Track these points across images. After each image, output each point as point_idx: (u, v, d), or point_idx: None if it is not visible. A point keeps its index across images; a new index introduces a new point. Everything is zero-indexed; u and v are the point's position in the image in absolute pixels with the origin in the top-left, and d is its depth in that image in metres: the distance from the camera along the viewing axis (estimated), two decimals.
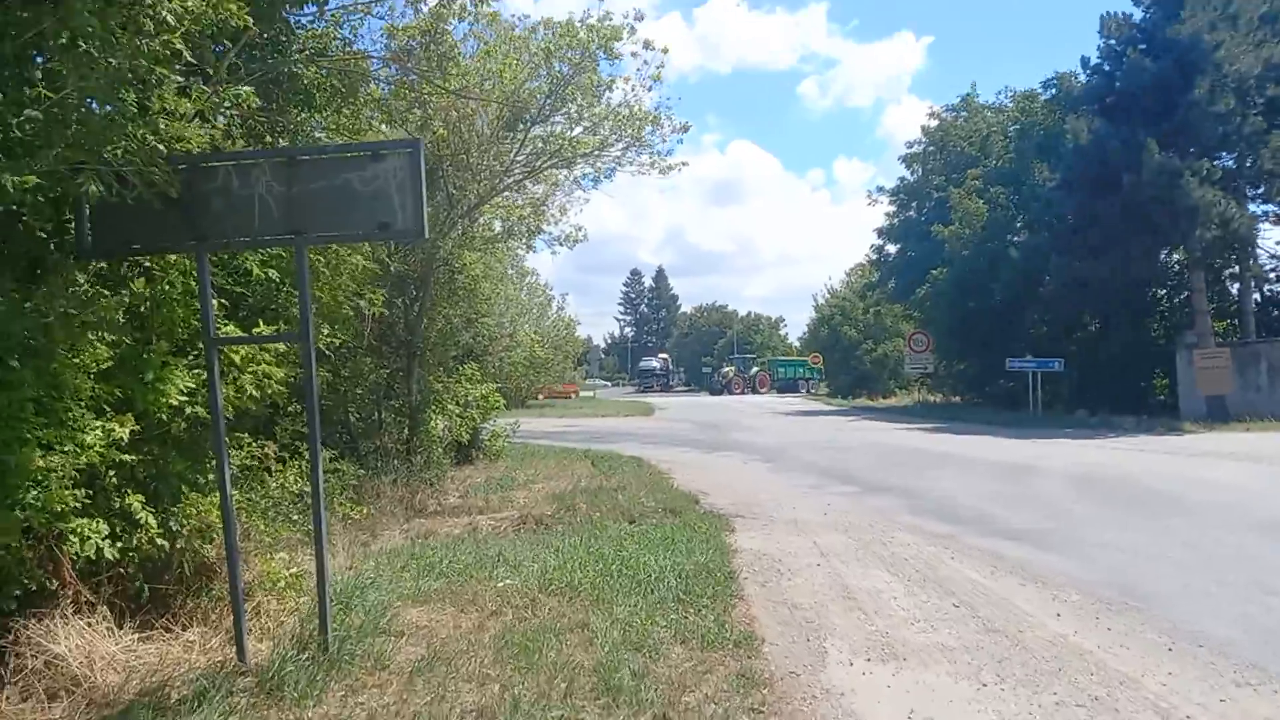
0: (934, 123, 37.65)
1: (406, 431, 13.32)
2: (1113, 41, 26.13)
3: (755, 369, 65.68)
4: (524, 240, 14.61)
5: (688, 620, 5.28)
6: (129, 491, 5.04)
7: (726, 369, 64.98)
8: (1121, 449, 16.18)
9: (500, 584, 6.25)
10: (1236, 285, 27.82)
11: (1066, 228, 26.36)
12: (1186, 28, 22.99)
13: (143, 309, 5.27)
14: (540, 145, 12.56)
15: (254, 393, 5.45)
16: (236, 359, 5.55)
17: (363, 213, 4.29)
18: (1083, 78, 27.78)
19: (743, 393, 59.56)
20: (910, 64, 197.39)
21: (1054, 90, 31.90)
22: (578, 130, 12.46)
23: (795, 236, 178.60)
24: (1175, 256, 27.63)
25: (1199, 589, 5.99)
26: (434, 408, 13.68)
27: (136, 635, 5.16)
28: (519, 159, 12.55)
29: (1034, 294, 29.38)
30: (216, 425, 4.48)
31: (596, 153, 12.81)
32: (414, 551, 7.84)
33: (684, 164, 13.53)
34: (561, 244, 14.75)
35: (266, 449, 6.22)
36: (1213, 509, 9.16)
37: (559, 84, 11.65)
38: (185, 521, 5.38)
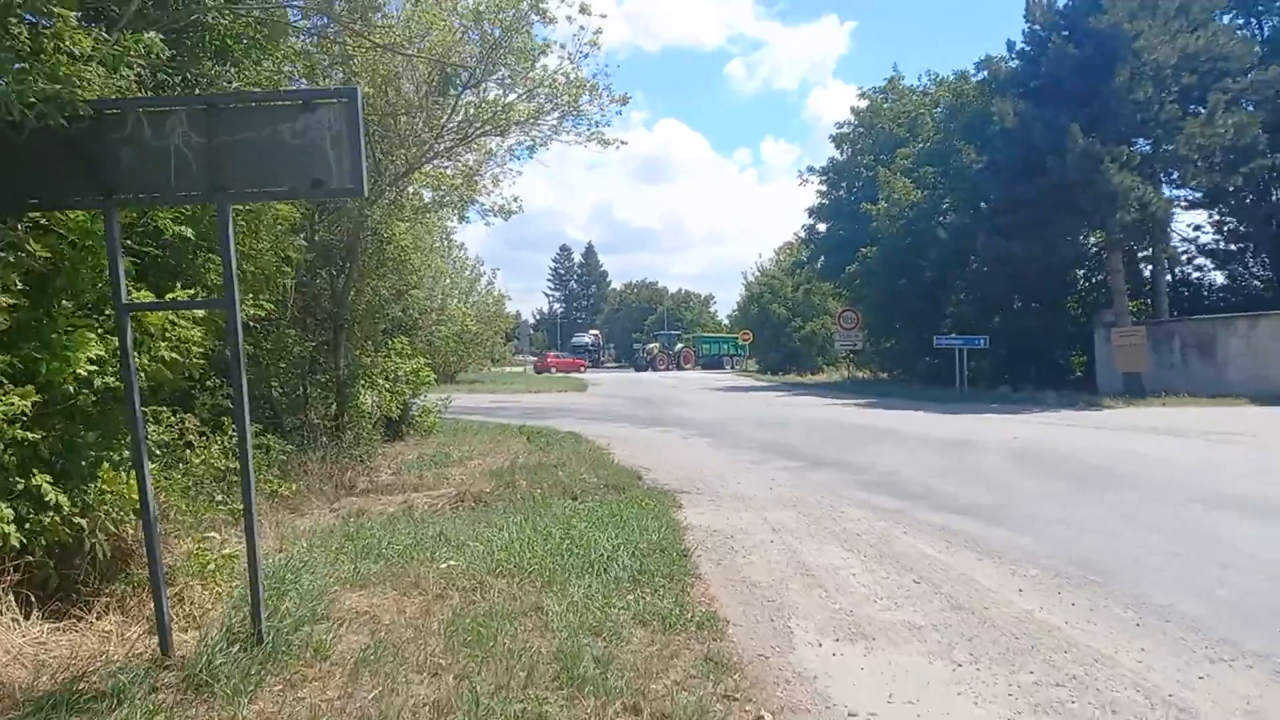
0: (863, 104, 38.00)
1: (334, 407, 12.76)
2: (1037, 27, 26.59)
3: (679, 345, 65.75)
4: (456, 210, 14.05)
5: (646, 601, 5.04)
6: (35, 471, 4.56)
7: (650, 345, 65.09)
8: (1050, 424, 16.55)
9: (443, 565, 5.91)
10: (1150, 267, 28.78)
11: (993, 208, 26.88)
12: (1108, 17, 23.49)
13: (47, 271, 4.76)
14: (473, 112, 12.04)
15: (173, 358, 4.96)
16: (151, 326, 5.06)
17: (293, 168, 3.87)
18: (1009, 62, 28.21)
19: (667, 369, 59.66)
20: (835, 48, 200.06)
21: (985, 73, 32.41)
22: (512, 97, 11.98)
23: (723, 215, 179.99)
24: (1092, 239, 28.52)
25: (1153, 564, 6.00)
26: (363, 382, 13.15)
27: (46, 626, 4.72)
28: (450, 125, 12.00)
29: (960, 273, 30.01)
30: (130, 397, 4.03)
31: (532, 121, 12.35)
32: (348, 531, 7.44)
33: (622, 141, 13.08)
34: (496, 215, 14.24)
35: (186, 423, 5.74)
36: (1150, 483, 9.32)
37: (491, 47, 11.14)
38: (100, 501, 4.93)
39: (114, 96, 4.16)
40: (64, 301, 4.89)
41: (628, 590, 5.24)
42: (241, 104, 4.04)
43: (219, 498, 6.08)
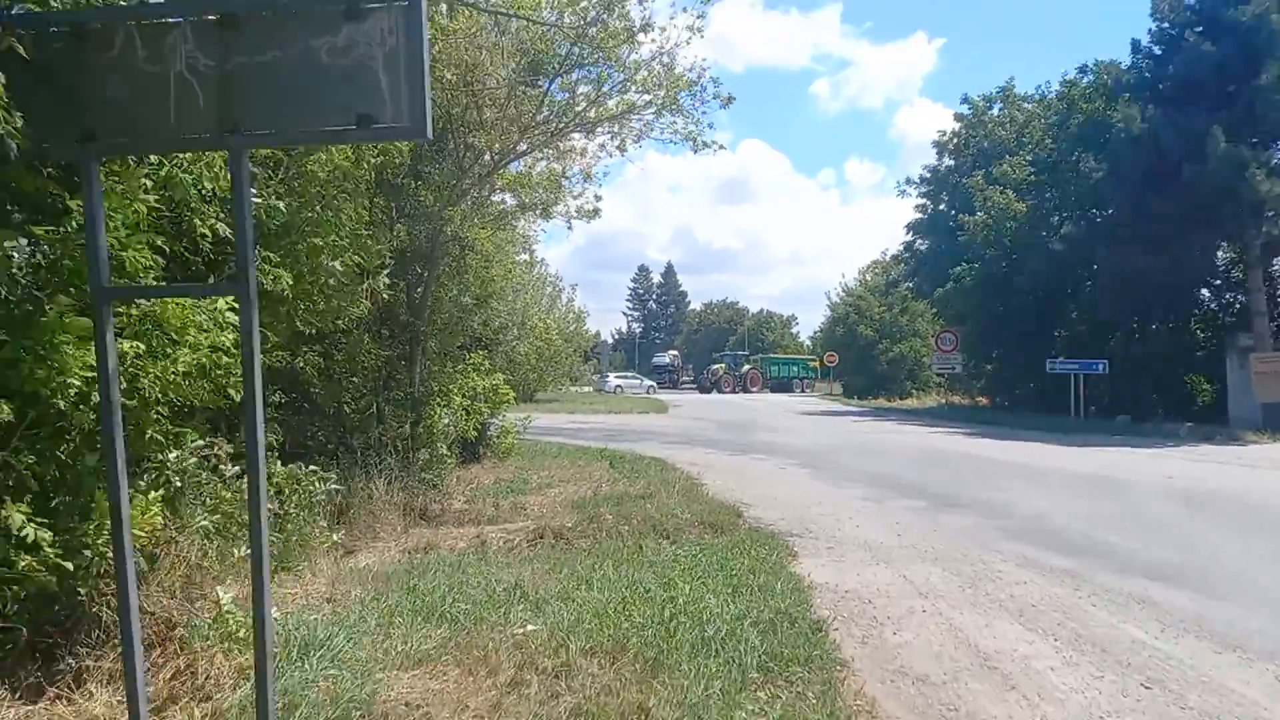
0: (970, 111, 35.97)
1: (407, 426, 11.84)
2: (1165, 24, 24.52)
3: (746, 366, 63.03)
4: (539, 212, 13.02)
5: (784, 702, 3.78)
6: (6, 500, 3.59)
7: (715, 366, 62.42)
8: (1197, 460, 14.63)
9: (520, 631, 4.76)
10: None
11: (1114, 220, 24.77)
12: (1251, 8, 21.36)
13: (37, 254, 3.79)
14: (562, 104, 11.02)
15: (201, 368, 3.93)
16: (171, 328, 4.03)
17: (333, 100, 2.75)
18: (1129, 62, 26.10)
19: (733, 390, 57.51)
20: (922, 66, 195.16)
21: (1092, 77, 30.28)
22: (607, 87, 10.90)
23: (805, 236, 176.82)
24: (1222, 254, 26.11)
25: None
26: (438, 399, 12.19)
27: (18, 706, 3.74)
28: (538, 119, 10.99)
29: (1072, 291, 27.85)
30: (106, 407, 2.96)
31: (625, 115, 11.25)
32: (410, 576, 6.35)
33: (720, 145, 11.81)
34: (579, 216, 13.17)
35: (217, 448, 4.71)
36: None
37: (587, 24, 10.08)
38: (97, 539, 3.95)
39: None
40: (61, 296, 3.92)
41: (757, 684, 3.99)
42: (265, 13, 2.94)
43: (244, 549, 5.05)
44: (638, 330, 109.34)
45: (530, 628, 4.83)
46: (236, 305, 4.02)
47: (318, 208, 5.42)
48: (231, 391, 4.74)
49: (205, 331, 4.18)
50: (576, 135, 11.97)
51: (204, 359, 4.10)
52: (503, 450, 14.82)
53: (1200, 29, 22.64)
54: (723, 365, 62.11)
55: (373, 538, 8.91)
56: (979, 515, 9.18)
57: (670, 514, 9.10)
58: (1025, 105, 34.78)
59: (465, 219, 11.69)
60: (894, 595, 5.86)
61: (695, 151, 11.53)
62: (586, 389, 50.53)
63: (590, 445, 16.94)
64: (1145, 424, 23.17)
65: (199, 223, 4.28)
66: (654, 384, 61.36)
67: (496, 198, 13.34)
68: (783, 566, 6.57)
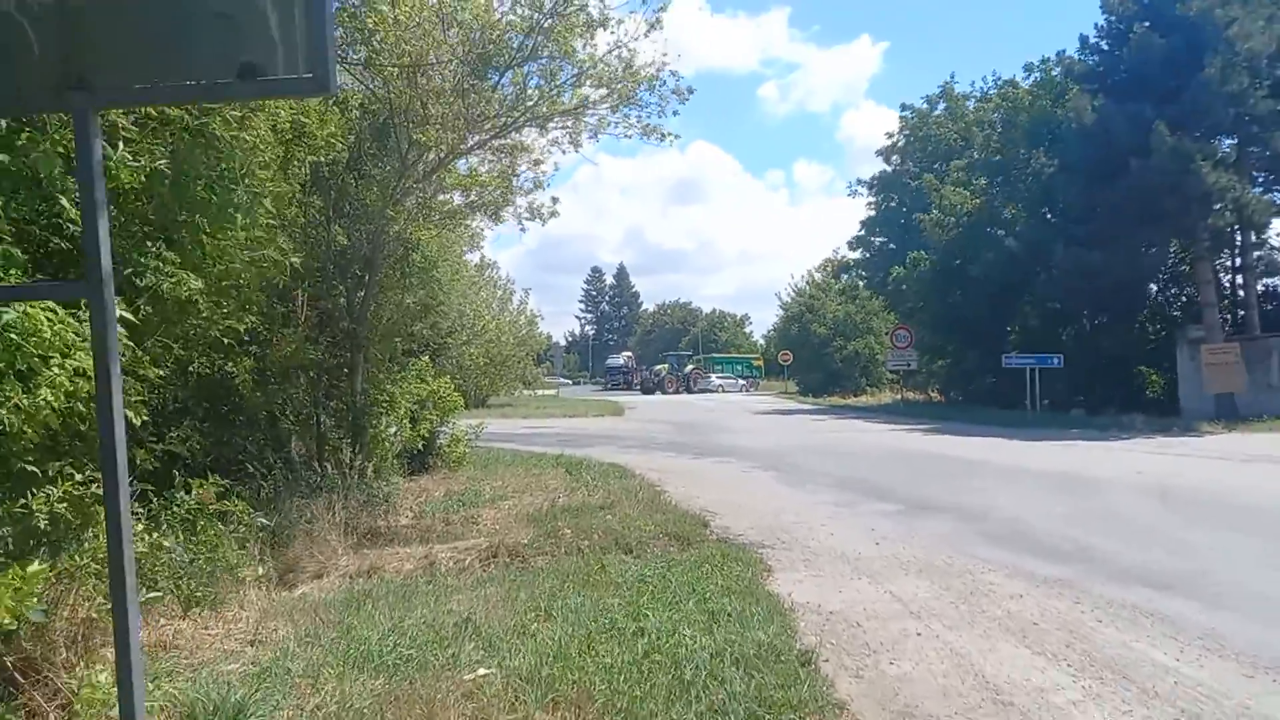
0: (911, 114, 36.24)
1: (349, 437, 11.11)
2: (1113, 18, 24.65)
3: (689, 367, 62.18)
4: (489, 213, 12.36)
5: None
6: None
7: (658, 367, 61.60)
8: (1157, 452, 14.53)
9: (470, 677, 4.17)
10: (1235, 277, 26.52)
11: (1067, 215, 24.84)
12: (1196, 3, 21.51)
13: None
14: (513, 97, 10.40)
15: (53, 402, 3.24)
16: (32, 346, 3.34)
17: (207, 46, 2.12)
18: (1085, 57, 26.22)
19: (676, 391, 57.00)
20: (867, 69, 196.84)
21: (1040, 74, 30.54)
22: (561, 80, 10.30)
23: (755, 236, 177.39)
24: (1173, 248, 26.37)
25: None
26: (383, 407, 11.48)
27: None
28: (487, 114, 10.36)
29: (1025, 286, 27.90)
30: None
31: (579, 109, 10.68)
32: (349, 608, 5.71)
33: (675, 135, 11.38)
34: (532, 217, 12.53)
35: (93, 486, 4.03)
36: None
37: (540, 14, 9.48)
38: None
39: None
40: None
41: None
42: None
43: (163, 583, 4.39)
44: (591, 332, 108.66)
45: (482, 672, 4.24)
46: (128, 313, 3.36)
47: (236, 189, 4.69)
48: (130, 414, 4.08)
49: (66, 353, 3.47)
50: (529, 130, 11.37)
51: (64, 386, 3.37)
52: (453, 459, 14.12)
53: (1148, 23, 22.78)
54: (665, 366, 61.45)
55: (310, 561, 8.21)
56: (955, 519, 8.78)
57: (633, 525, 8.57)
58: (967, 104, 35.07)
59: (410, 219, 11.01)
60: (884, 615, 5.38)
61: (657, 143, 11.06)
62: (544, 392, 49.71)
63: (545, 451, 16.33)
64: (1100, 417, 23.23)
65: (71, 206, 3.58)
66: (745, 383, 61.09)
67: (443, 196, 12.68)
68: (759, 585, 6.05)
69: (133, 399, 3.95)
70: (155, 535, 4.40)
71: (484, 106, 10.15)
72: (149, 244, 4.17)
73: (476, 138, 10.82)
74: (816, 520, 8.94)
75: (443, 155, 10.52)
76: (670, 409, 35.22)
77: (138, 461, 4.66)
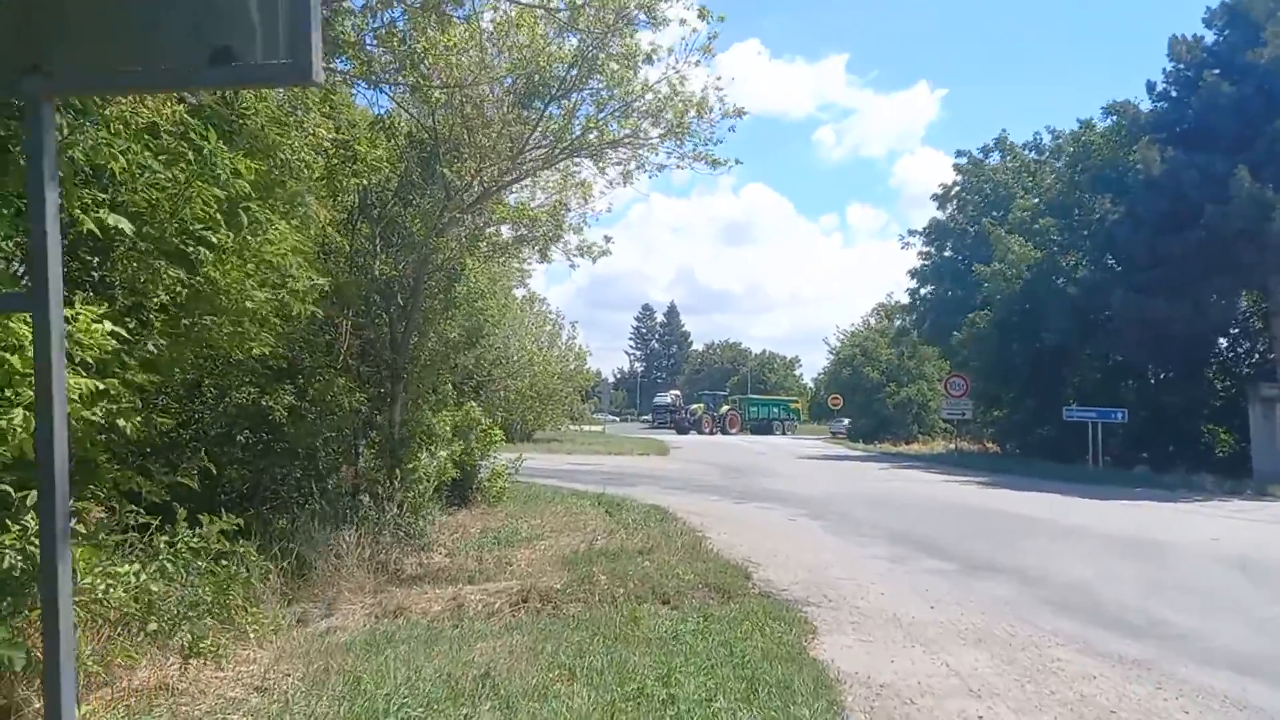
0: (966, 161, 35.83)
1: (384, 471, 10.91)
2: (1181, 66, 23.99)
3: (726, 408, 61.10)
4: (538, 248, 12.18)
5: None
6: None
7: (695, 406, 60.27)
8: (1232, 517, 13.66)
9: None
10: None
11: (1132, 264, 23.99)
12: (1269, 50, 20.78)
13: None
14: (560, 127, 10.25)
15: (22, 433, 3.00)
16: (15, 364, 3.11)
17: (175, 28, 1.85)
18: (1147, 104, 25.56)
19: (712, 432, 55.90)
20: (925, 115, 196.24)
21: (1113, 119, 29.76)
22: (609, 111, 10.11)
23: (806, 278, 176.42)
24: (1244, 301, 25.28)
25: None
26: (421, 440, 11.27)
27: None
28: (533, 141, 10.22)
29: (1086, 337, 26.97)
30: None
31: (629, 139, 10.47)
32: (368, 656, 5.40)
33: (736, 161, 10.93)
34: (582, 255, 12.33)
35: (86, 512, 3.79)
36: None
37: (590, 47, 9.32)
38: None
39: None
40: None
41: None
42: None
43: (154, 628, 4.12)
44: (640, 369, 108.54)
45: None
46: (115, 329, 3.11)
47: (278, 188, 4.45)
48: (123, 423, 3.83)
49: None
50: (584, 161, 11.20)
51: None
52: (493, 494, 13.84)
53: (1218, 70, 22.08)
54: (701, 405, 60.09)
55: (337, 597, 7.96)
56: (1015, 582, 8.19)
57: (671, 574, 8.18)
58: (1024, 153, 34.55)
59: (457, 248, 10.89)
60: (940, 692, 4.89)
61: (710, 171, 10.72)
62: (590, 428, 49.46)
63: (587, 489, 15.98)
64: (1166, 475, 22.15)
65: (79, 212, 3.38)
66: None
67: (491, 230, 12.58)
68: (802, 650, 5.61)
69: (123, 406, 3.69)
70: (143, 578, 4.11)
71: (529, 134, 10.01)
72: (160, 261, 3.95)
73: (520, 169, 10.67)
74: (866, 577, 8.43)
75: (487, 185, 10.38)
76: (716, 450, 34.66)
77: (143, 492, 4.42)
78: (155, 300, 3.90)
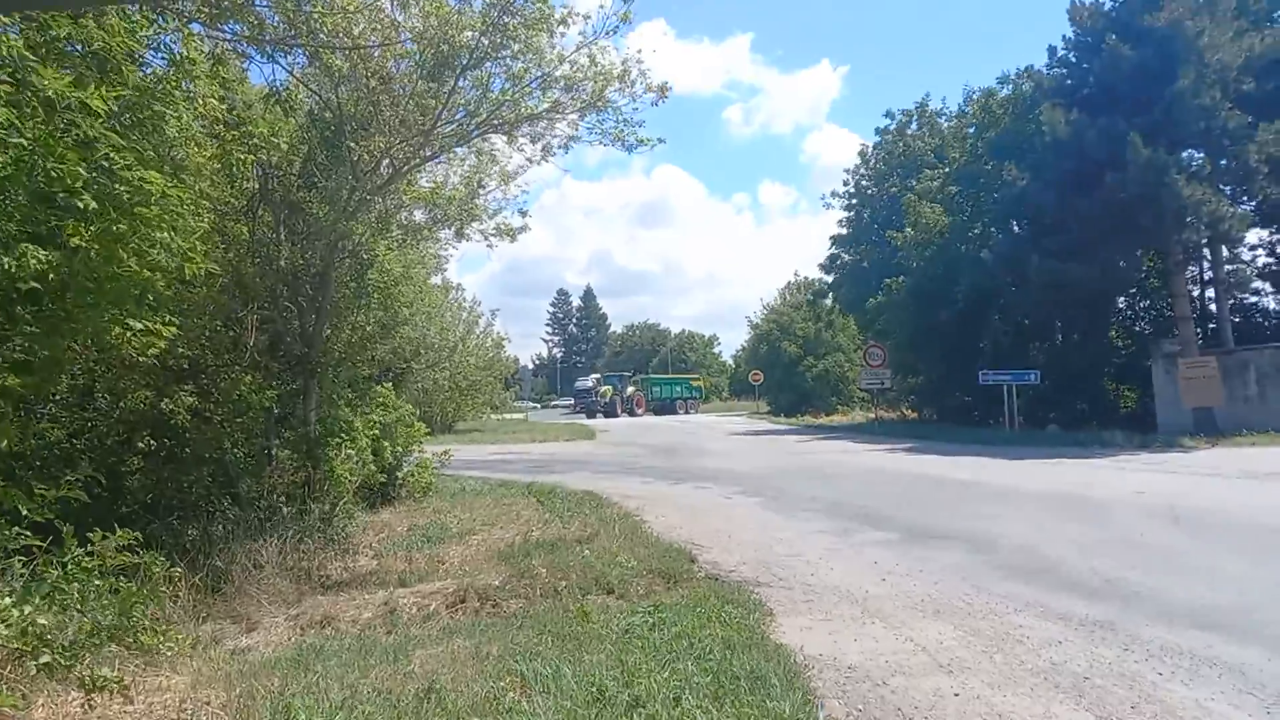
0: (892, 120, 36.20)
1: (304, 471, 10.28)
2: (1081, 32, 24.63)
3: (631, 389, 59.47)
4: (455, 226, 11.61)
5: None
6: None
7: (604, 388, 58.08)
8: (1151, 470, 14.05)
9: None
10: (1204, 291, 26.45)
11: (1041, 228, 24.59)
12: (1166, 14, 21.44)
13: None
14: (473, 100, 9.72)
15: None
16: None
17: None
18: (1045, 70, 26.22)
19: (619, 414, 55.15)
20: (829, 92, 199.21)
21: (1010, 88, 30.55)
22: (526, 82, 9.62)
23: (721, 258, 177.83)
24: (1124, 262, 26.20)
25: None
26: (340, 438, 10.65)
27: None
28: (445, 116, 9.66)
29: (996, 302, 27.65)
30: None
31: (547, 114, 10.01)
32: (296, 674, 4.93)
33: (660, 140, 10.54)
34: (499, 235, 11.82)
35: None
36: None
37: (498, 11, 8.81)
38: None
39: None
40: None
41: None
42: None
43: (45, 660, 3.58)
44: (559, 355, 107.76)
45: None
46: None
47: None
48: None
49: None
50: (495, 138, 10.69)
51: None
52: (418, 490, 13.27)
53: (1116, 34, 22.68)
54: (609, 388, 58.18)
55: (258, 611, 7.39)
56: (962, 548, 8.14)
57: (613, 562, 7.88)
58: (940, 120, 35.09)
59: (366, 233, 10.26)
60: (911, 670, 4.69)
61: (633, 150, 10.33)
62: (512, 416, 48.66)
63: (516, 479, 15.54)
64: (1078, 433, 22.92)
65: None
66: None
67: (404, 213, 11.96)
68: (763, 634, 5.35)
69: None
70: (28, 610, 3.57)
71: (440, 109, 9.46)
72: (23, 241, 3.36)
73: (434, 145, 10.11)
74: (812, 552, 8.26)
75: (399, 165, 9.80)
76: (644, 431, 34.49)
77: (22, 511, 3.84)
78: (21, 287, 3.33)
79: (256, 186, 10.12)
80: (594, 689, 4.17)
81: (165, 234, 4.37)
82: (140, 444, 9.89)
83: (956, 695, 4.29)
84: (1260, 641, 4.93)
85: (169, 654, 4.94)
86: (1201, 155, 22.16)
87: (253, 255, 10.39)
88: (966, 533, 8.94)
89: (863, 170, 37.12)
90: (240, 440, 10.54)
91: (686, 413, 58.76)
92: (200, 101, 5.42)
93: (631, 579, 7.36)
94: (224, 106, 7.28)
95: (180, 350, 9.21)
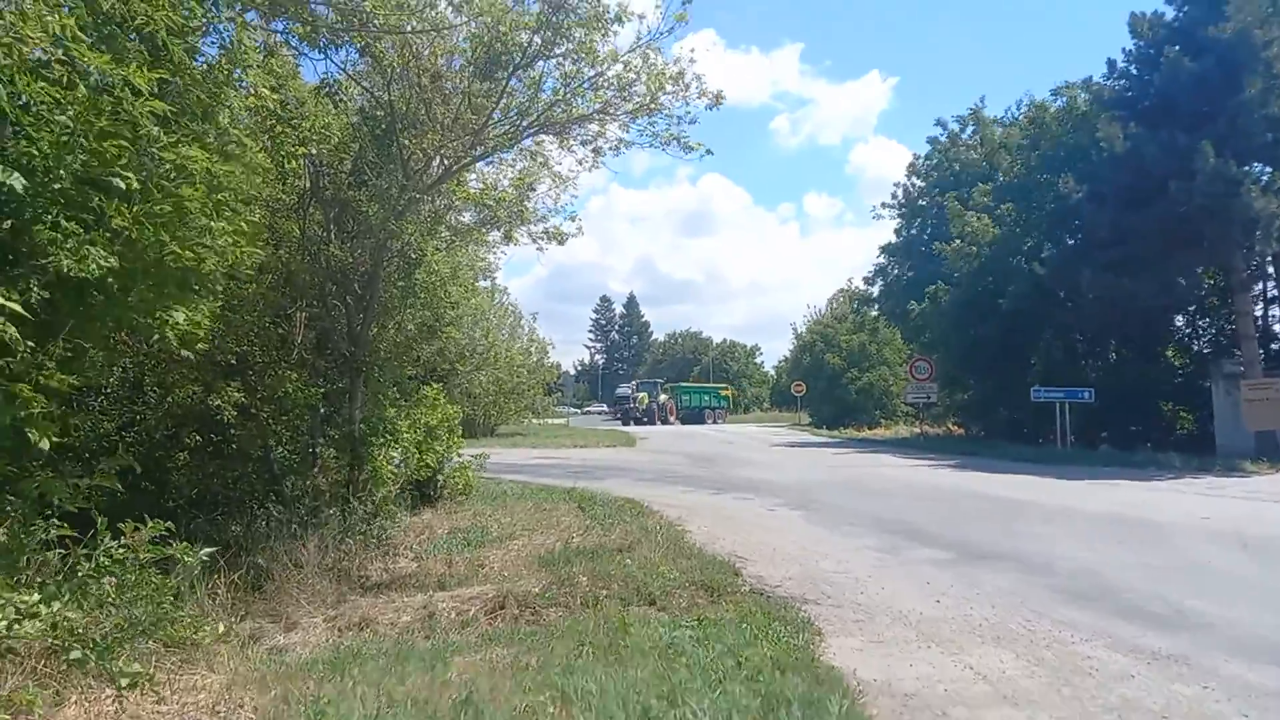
0: (943, 131, 35.60)
1: (348, 470, 10.26)
2: (1142, 43, 23.93)
3: (664, 397, 58.93)
4: (503, 229, 11.54)
5: None
6: None
7: (640, 395, 57.60)
8: (1213, 494, 13.49)
9: None
10: (1270, 309, 25.52)
11: (1095, 242, 23.94)
12: (1231, 24, 20.73)
13: None
14: (525, 100, 9.64)
15: None
16: None
17: None
18: (1113, 82, 25.52)
19: (654, 421, 54.70)
20: (877, 104, 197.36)
21: (1064, 100, 29.86)
22: (578, 83, 9.51)
23: (764, 267, 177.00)
24: (1184, 278, 25.35)
25: None
26: (385, 437, 10.61)
27: None
28: (496, 116, 9.59)
29: (1048, 317, 26.96)
30: None
31: (599, 115, 9.89)
32: (332, 678, 4.84)
33: (708, 151, 10.34)
34: (549, 239, 11.73)
35: None
36: None
37: (553, 9, 8.71)
38: None
39: None
40: None
41: None
42: None
43: (75, 656, 3.50)
44: (600, 362, 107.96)
45: None
46: None
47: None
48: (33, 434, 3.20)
49: None
50: (547, 139, 10.61)
51: None
52: (460, 492, 13.21)
53: (1178, 46, 22.02)
54: (646, 395, 57.85)
55: (297, 611, 7.33)
56: (1017, 570, 7.82)
57: (655, 572, 7.68)
58: (995, 129, 34.40)
59: (415, 232, 10.23)
60: (971, 701, 4.44)
61: (682, 156, 10.18)
62: (554, 421, 48.77)
63: (557, 484, 15.42)
64: (1132, 454, 22.22)
65: None
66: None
67: (453, 216, 11.96)
68: (813, 655, 5.13)
69: (35, 414, 3.08)
70: (56, 605, 3.49)
71: (492, 109, 9.39)
72: (70, 223, 3.28)
73: (484, 145, 10.05)
74: (861, 570, 8.00)
75: (449, 164, 9.75)
76: (683, 440, 34.26)
77: (57, 501, 3.78)
78: (67, 272, 3.25)
79: (307, 184, 10.15)
80: (638, 708, 3.99)
81: (211, 219, 4.29)
82: (187, 439, 9.96)
83: None
84: None
85: (206, 646, 4.87)
86: (1270, 169, 21.40)
87: (303, 252, 10.42)
88: (1021, 553, 8.60)
89: (913, 181, 36.52)
90: (285, 438, 10.58)
91: (715, 422, 58.17)
92: (253, 92, 5.39)
93: (674, 590, 7.18)
94: (276, 98, 7.29)
95: (229, 345, 9.26)
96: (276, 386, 9.63)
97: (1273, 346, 24.84)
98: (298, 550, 8.29)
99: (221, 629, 4.98)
